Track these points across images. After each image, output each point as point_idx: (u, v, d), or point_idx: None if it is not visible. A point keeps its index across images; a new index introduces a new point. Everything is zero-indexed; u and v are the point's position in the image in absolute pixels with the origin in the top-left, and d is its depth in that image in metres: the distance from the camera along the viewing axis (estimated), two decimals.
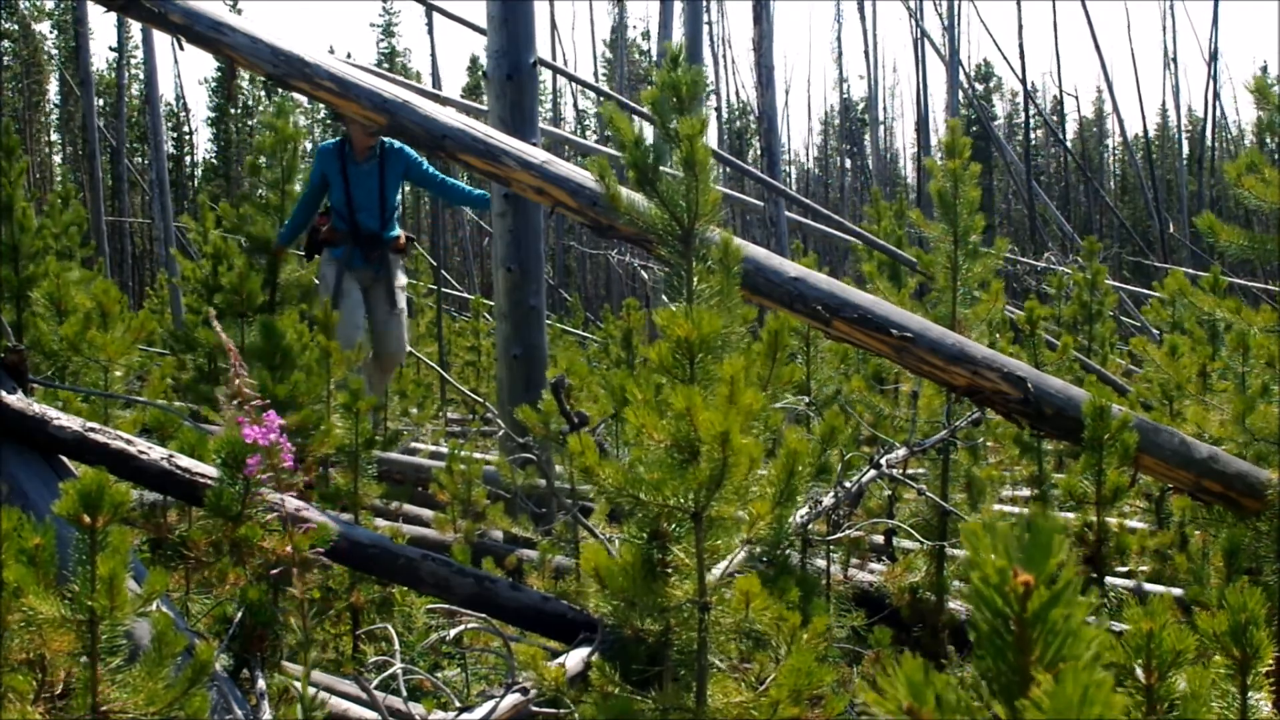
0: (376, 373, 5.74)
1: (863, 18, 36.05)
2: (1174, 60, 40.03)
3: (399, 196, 5.72)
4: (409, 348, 6.03)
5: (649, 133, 1.95)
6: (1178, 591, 2.94)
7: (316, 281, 5.71)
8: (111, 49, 28.98)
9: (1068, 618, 0.59)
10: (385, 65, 33.10)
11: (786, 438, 1.62)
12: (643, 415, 1.48)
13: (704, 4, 13.52)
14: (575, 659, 2.22)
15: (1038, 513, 0.63)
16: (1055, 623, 0.59)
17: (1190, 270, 9.06)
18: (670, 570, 1.61)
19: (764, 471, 1.65)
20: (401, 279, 5.78)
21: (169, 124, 30.80)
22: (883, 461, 3.29)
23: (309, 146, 35.52)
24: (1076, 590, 0.59)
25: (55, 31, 30.99)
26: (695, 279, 1.76)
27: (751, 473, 1.50)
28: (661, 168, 1.85)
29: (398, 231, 5.68)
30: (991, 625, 0.61)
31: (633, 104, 6.20)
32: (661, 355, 1.53)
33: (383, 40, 35.46)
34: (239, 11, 30.55)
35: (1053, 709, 0.56)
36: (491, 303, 6.19)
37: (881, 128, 33.17)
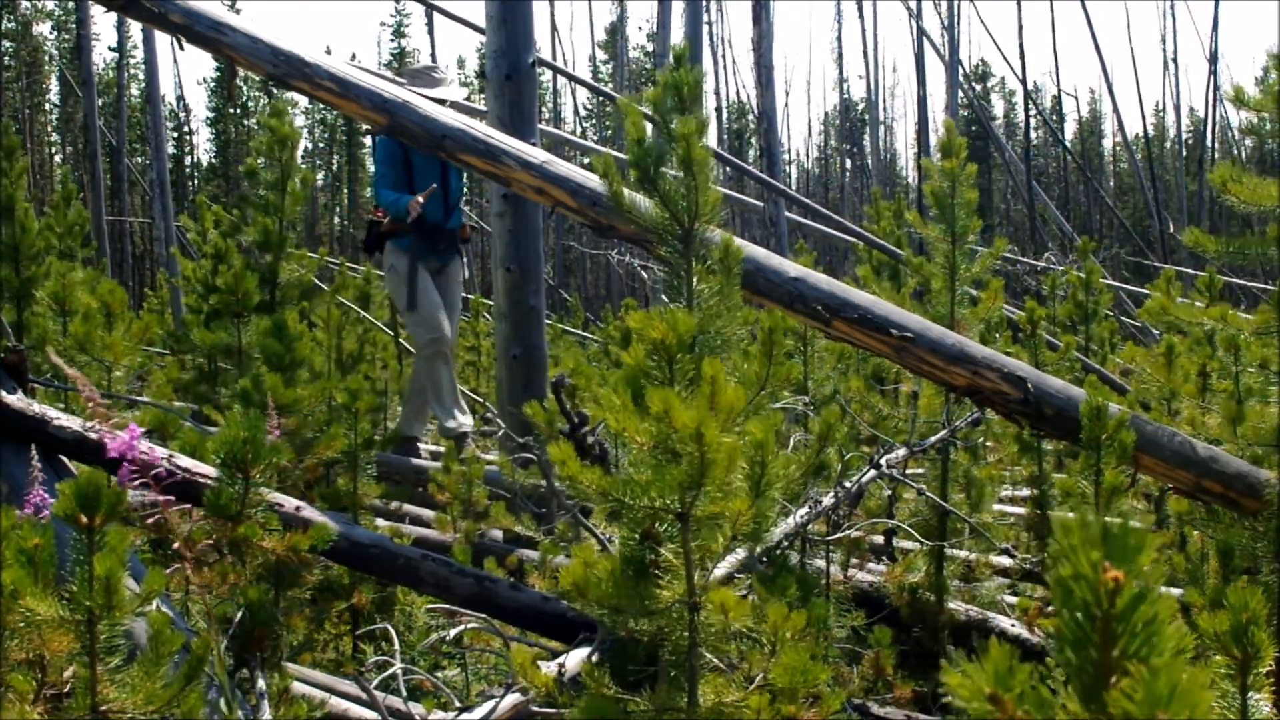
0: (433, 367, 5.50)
1: (862, 18, 36.09)
2: (1174, 60, 40.13)
3: (463, 183, 5.62)
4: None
5: (651, 132, 1.95)
6: (1177, 592, 2.95)
7: (385, 276, 5.46)
8: (111, 49, 29.01)
9: (1154, 616, 0.60)
10: (395, 66, 33.09)
11: (749, 429, 1.61)
12: (623, 419, 1.47)
13: (704, 4, 13.51)
14: (575, 659, 2.22)
15: (1127, 512, 0.65)
16: (1141, 620, 0.60)
17: (1190, 270, 9.04)
18: (662, 571, 1.61)
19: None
20: (464, 271, 5.67)
21: (169, 124, 30.81)
22: (883, 461, 3.29)
23: (308, 146, 35.52)
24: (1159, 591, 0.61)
25: (56, 32, 31.01)
26: (695, 279, 1.76)
27: (733, 471, 1.49)
28: (663, 168, 1.85)
29: (462, 220, 5.56)
30: (1075, 619, 0.62)
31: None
32: (637, 358, 1.53)
33: (393, 41, 35.45)
34: (237, 11, 30.53)
35: (1143, 701, 0.57)
36: (491, 303, 6.17)
37: (881, 128, 33.19)
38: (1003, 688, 0.64)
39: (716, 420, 1.42)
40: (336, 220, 36.48)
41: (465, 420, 5.41)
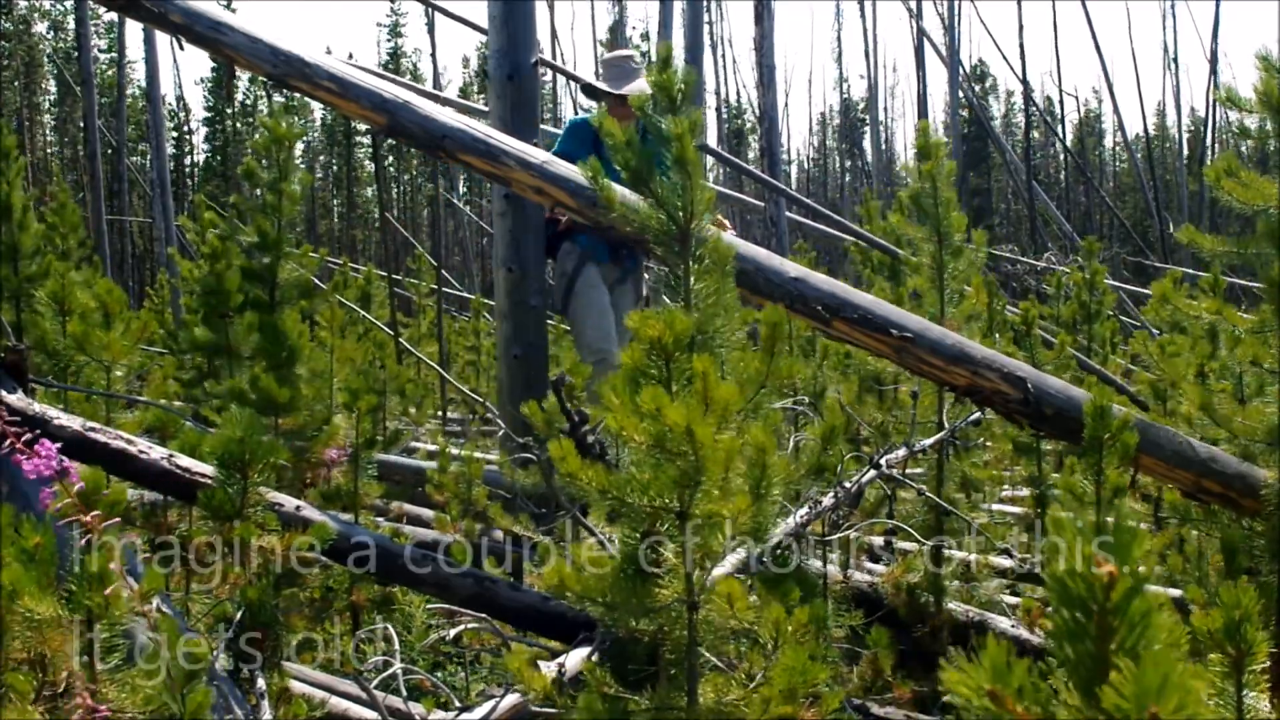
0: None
1: (863, 17, 36.10)
2: (1174, 60, 40.14)
3: None
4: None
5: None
6: (1175, 592, 2.95)
7: (552, 281, 5.00)
8: (103, 50, 28.89)
9: (1148, 609, 0.61)
10: (390, 65, 33.05)
11: (751, 434, 1.61)
12: (621, 418, 1.47)
13: (704, 4, 13.50)
14: (575, 659, 2.22)
15: (1122, 512, 0.66)
16: (1136, 613, 0.61)
17: (1191, 271, 9.04)
18: (663, 571, 1.61)
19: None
20: (647, 280, 5.17)
21: (168, 123, 30.79)
22: (883, 461, 3.29)
23: (307, 142, 35.47)
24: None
25: (54, 32, 31.01)
26: (693, 279, 1.76)
27: (731, 469, 1.49)
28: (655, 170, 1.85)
29: None
30: (1071, 613, 0.63)
31: None
32: (635, 358, 1.53)
33: (388, 40, 35.43)
34: (232, 10, 30.46)
35: (1134, 694, 0.58)
36: (491, 302, 6.16)
37: (881, 127, 33.16)
38: (1001, 684, 0.64)
39: (711, 418, 1.43)
40: (336, 220, 36.47)
41: None
